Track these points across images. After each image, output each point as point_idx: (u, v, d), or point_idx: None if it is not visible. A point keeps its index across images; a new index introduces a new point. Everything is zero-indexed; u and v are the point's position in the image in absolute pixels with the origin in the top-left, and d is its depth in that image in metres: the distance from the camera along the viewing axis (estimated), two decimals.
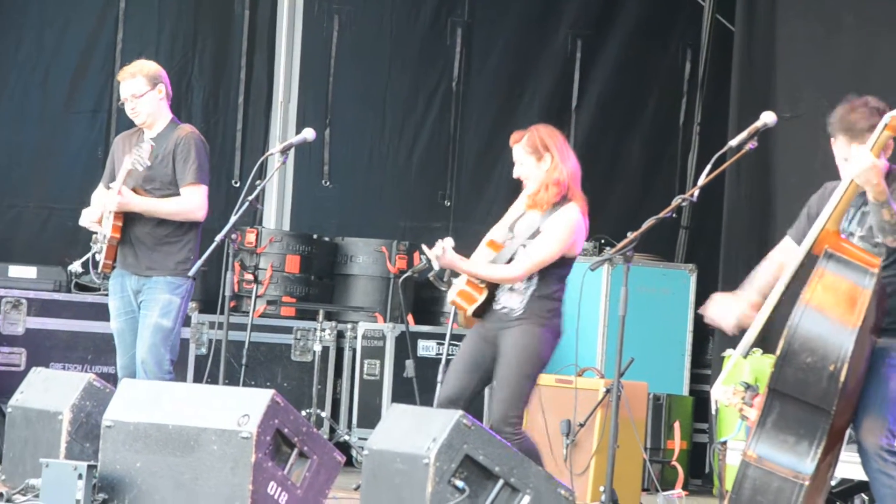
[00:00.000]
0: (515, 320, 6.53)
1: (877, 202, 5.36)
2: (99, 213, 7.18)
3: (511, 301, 6.56)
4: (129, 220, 7.09)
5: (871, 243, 5.49)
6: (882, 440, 5.41)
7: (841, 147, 5.57)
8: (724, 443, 8.01)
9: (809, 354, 5.20)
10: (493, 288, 6.58)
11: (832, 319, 5.23)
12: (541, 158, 6.62)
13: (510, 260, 6.58)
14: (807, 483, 5.19)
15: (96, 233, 7.23)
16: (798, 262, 5.47)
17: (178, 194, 7.09)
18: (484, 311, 6.60)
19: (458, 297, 6.64)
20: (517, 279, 6.52)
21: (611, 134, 10.95)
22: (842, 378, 5.16)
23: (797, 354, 5.21)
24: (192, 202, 7.09)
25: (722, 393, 5.48)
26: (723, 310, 5.70)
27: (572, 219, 6.55)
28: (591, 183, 10.69)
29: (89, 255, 8.57)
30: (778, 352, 5.24)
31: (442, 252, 6.50)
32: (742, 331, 5.60)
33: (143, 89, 7.11)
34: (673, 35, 11.08)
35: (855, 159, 5.38)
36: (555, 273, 6.56)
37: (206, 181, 7.12)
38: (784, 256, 5.69)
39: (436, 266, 6.59)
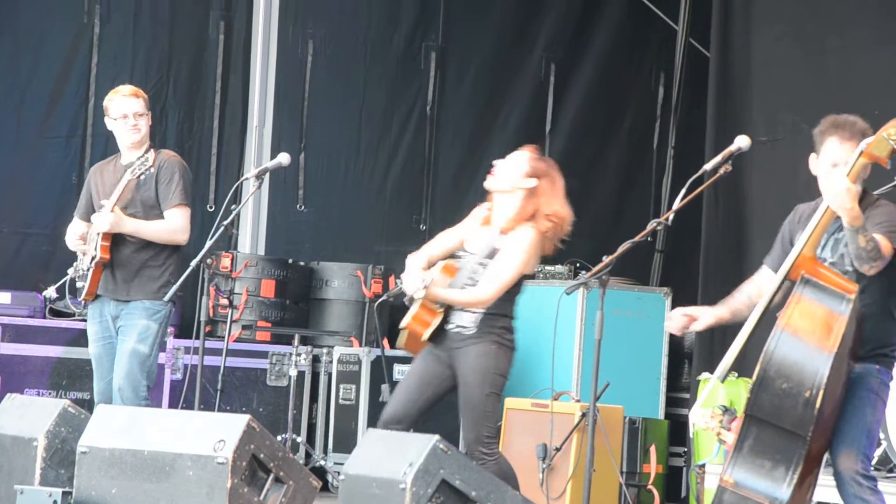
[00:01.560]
0: (469, 339, 6.56)
1: (852, 227, 5.37)
2: (85, 231, 7.17)
3: (463, 320, 6.58)
4: (113, 242, 7.11)
5: (842, 270, 5.51)
6: (857, 465, 5.43)
7: (830, 150, 5.55)
8: (703, 466, 8.03)
9: (785, 380, 5.22)
10: (447, 310, 6.59)
11: (808, 345, 5.24)
12: (529, 177, 6.61)
13: (469, 280, 6.57)
14: None
15: (77, 260, 7.23)
16: (775, 287, 5.49)
17: (160, 219, 7.10)
18: (436, 333, 6.61)
19: (414, 322, 6.63)
20: (489, 301, 6.53)
21: (584, 157, 10.99)
22: (817, 404, 5.17)
23: (773, 380, 5.22)
24: (176, 223, 7.10)
25: (700, 416, 5.49)
26: (678, 315, 5.73)
27: (533, 238, 6.56)
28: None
29: (65, 279, 8.59)
30: (754, 377, 5.25)
31: (424, 287, 6.46)
32: (716, 352, 5.63)
33: (143, 110, 7.24)
34: (646, 59, 11.14)
35: (830, 184, 5.41)
36: (508, 290, 6.58)
37: (190, 204, 7.13)
38: (762, 281, 5.71)
39: (417, 295, 6.56)
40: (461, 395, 6.59)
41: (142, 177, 7.11)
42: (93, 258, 7.12)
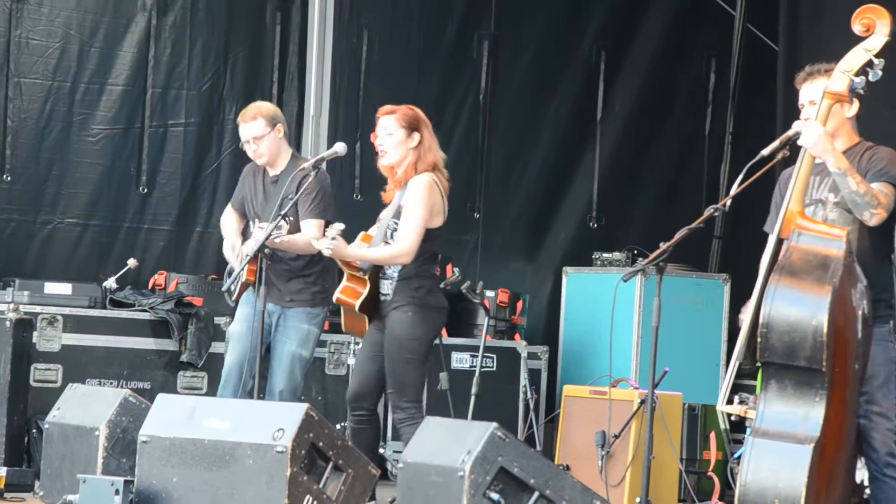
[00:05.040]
0: (391, 306, 6.77)
1: (839, 171, 5.37)
2: (239, 240, 7.47)
3: (384, 288, 6.82)
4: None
5: (846, 209, 5.49)
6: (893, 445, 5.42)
7: (802, 93, 5.63)
8: (739, 458, 8.00)
9: (790, 318, 5.23)
10: (374, 280, 6.76)
11: (807, 282, 5.27)
12: (410, 135, 6.83)
13: (386, 242, 6.78)
14: (813, 445, 5.19)
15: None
16: (771, 250, 5.49)
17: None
18: (370, 304, 6.79)
19: (342, 294, 6.83)
20: (407, 253, 6.71)
21: (636, 144, 10.96)
22: (825, 331, 5.17)
23: (778, 322, 5.25)
24: (309, 236, 7.23)
25: (724, 403, 5.53)
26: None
27: (425, 180, 6.78)
28: (616, 193, 10.85)
29: (125, 269, 8.73)
30: (759, 324, 5.27)
31: (333, 241, 6.59)
32: None
33: (263, 131, 7.42)
34: (697, 45, 11.09)
35: (804, 132, 5.41)
36: (420, 249, 6.74)
37: (327, 216, 7.27)
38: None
39: (326, 253, 6.73)
40: (385, 361, 6.80)
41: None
42: (238, 278, 7.36)
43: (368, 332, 6.89)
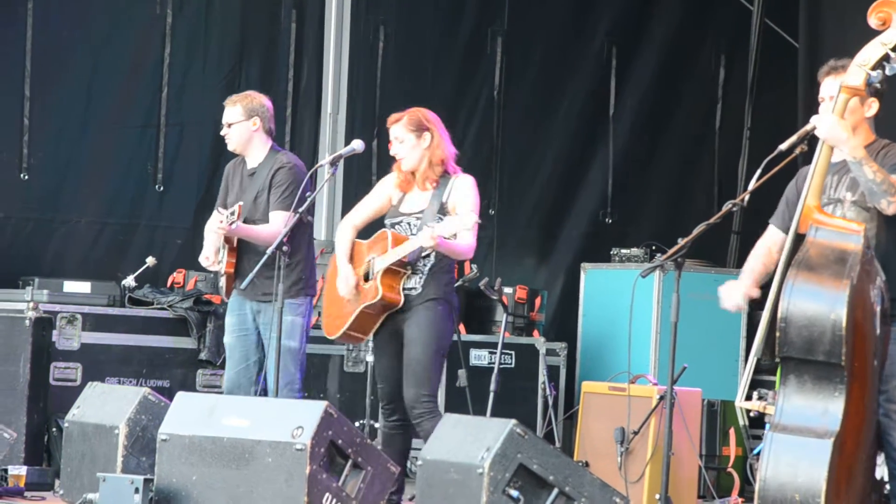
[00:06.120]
0: (419, 300, 6.77)
1: (855, 160, 5.36)
2: (214, 249, 7.43)
3: (412, 282, 6.81)
4: (240, 252, 7.37)
5: (864, 208, 5.47)
6: None
7: (823, 87, 5.61)
8: (758, 454, 7.98)
9: (808, 312, 5.22)
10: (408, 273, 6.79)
11: (825, 276, 5.26)
12: (421, 136, 6.90)
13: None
14: (833, 439, 5.18)
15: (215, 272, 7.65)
16: (789, 245, 5.47)
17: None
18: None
19: (387, 291, 6.76)
20: (473, 248, 6.79)
21: (648, 140, 10.96)
22: (844, 325, 5.16)
23: (797, 316, 5.24)
24: (273, 227, 7.27)
25: (743, 399, 5.52)
26: (730, 292, 5.80)
27: (471, 179, 6.90)
28: (629, 189, 10.84)
29: (143, 268, 8.74)
30: (778, 318, 5.26)
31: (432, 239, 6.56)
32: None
33: (237, 118, 7.50)
34: (707, 40, 11.08)
35: (820, 122, 5.40)
36: None
37: (291, 208, 7.26)
38: (769, 242, 5.72)
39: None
40: (407, 354, 6.77)
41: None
42: (220, 275, 7.48)
43: (384, 333, 6.87)
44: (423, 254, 6.76)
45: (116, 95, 9.61)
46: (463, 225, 6.54)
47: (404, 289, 6.81)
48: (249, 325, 7.42)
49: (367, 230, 7.14)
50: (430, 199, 6.87)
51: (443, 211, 6.83)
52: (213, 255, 7.40)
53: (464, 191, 6.87)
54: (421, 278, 6.81)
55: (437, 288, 6.80)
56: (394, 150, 6.98)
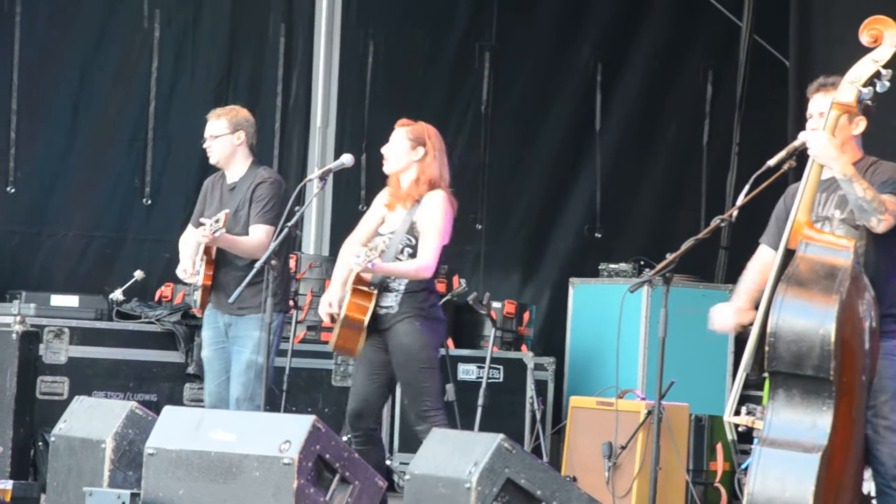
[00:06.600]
0: (394, 318, 6.79)
1: (846, 178, 5.36)
2: (191, 261, 7.41)
3: (387, 301, 6.83)
4: (218, 264, 7.35)
5: (853, 226, 5.48)
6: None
7: (812, 104, 5.61)
8: (746, 469, 7.98)
9: (797, 327, 5.23)
10: (378, 292, 6.82)
11: (814, 292, 5.27)
12: (415, 148, 6.92)
13: (400, 258, 6.81)
14: (820, 454, 5.18)
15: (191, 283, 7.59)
16: (779, 261, 5.48)
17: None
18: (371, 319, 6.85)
19: (351, 310, 6.80)
20: (430, 267, 6.80)
21: (636, 155, 10.98)
22: (833, 339, 5.17)
23: (786, 331, 5.25)
24: (255, 239, 7.25)
25: (732, 414, 5.53)
26: (722, 316, 5.78)
27: (442, 196, 6.87)
28: (616, 203, 10.86)
29: (131, 282, 8.71)
30: (767, 333, 5.27)
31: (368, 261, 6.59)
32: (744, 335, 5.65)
33: (221, 132, 7.47)
34: (694, 56, 11.12)
35: (811, 140, 5.41)
36: None
37: (277, 223, 7.22)
38: (761, 262, 5.73)
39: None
40: (397, 375, 6.85)
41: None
42: (196, 287, 7.44)
43: (364, 350, 6.87)
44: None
45: (104, 109, 9.60)
46: (401, 271, 6.68)
47: (382, 307, 6.81)
48: (223, 337, 7.39)
49: None
50: (404, 218, 6.88)
51: (412, 231, 6.83)
52: (190, 266, 7.38)
53: (430, 208, 6.86)
54: (397, 296, 6.82)
55: (413, 305, 6.81)
56: (385, 148, 6.99)
